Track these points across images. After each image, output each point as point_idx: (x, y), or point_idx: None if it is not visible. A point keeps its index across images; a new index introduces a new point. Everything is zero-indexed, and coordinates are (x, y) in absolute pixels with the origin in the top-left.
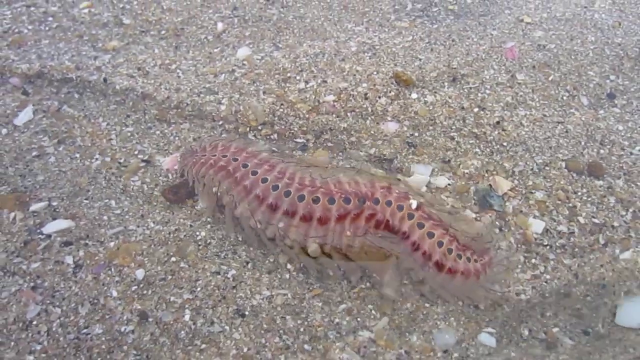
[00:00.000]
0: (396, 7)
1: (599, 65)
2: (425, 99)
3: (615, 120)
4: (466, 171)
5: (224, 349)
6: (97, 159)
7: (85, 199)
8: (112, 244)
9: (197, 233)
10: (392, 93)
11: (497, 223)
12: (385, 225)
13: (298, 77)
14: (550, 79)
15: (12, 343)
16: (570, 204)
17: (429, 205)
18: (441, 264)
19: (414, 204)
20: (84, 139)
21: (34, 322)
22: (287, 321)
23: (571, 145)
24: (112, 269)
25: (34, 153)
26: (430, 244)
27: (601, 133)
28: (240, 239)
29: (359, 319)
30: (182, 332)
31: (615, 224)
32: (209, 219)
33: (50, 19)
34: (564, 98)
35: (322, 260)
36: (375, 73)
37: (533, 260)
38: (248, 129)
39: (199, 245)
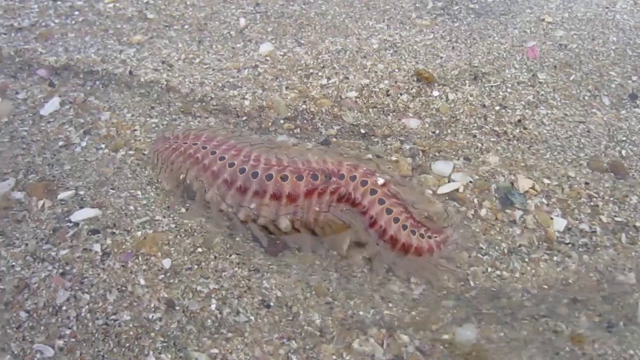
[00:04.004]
0: (417, 5)
1: (620, 65)
2: (447, 97)
3: (638, 121)
4: (487, 169)
5: (250, 339)
6: (121, 150)
7: (112, 189)
8: (138, 233)
9: (223, 225)
10: (414, 90)
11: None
12: (347, 198)
13: (320, 73)
14: (571, 78)
15: (42, 327)
16: (592, 203)
17: (396, 185)
18: (395, 239)
19: (380, 180)
20: (109, 129)
21: (64, 307)
22: (312, 314)
23: (593, 145)
24: (139, 258)
25: (61, 143)
26: (387, 220)
27: (623, 133)
28: (207, 222)
29: (379, 310)
30: (209, 320)
31: (638, 224)
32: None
33: (77, 13)
34: (586, 98)
35: (295, 237)
36: (396, 70)
37: (555, 258)
38: (270, 123)
39: (225, 237)
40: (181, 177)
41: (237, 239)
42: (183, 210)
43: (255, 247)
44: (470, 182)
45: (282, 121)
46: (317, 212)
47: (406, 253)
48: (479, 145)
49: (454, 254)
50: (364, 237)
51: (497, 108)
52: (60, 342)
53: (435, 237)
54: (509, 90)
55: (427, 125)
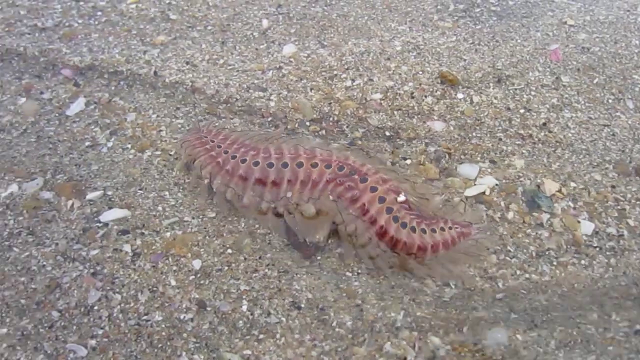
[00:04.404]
0: (438, 7)
1: None
2: (472, 99)
3: None
4: (513, 172)
5: (282, 340)
6: (147, 151)
7: (140, 189)
8: (168, 234)
9: (254, 227)
10: (438, 92)
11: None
12: (359, 205)
13: (344, 75)
14: (595, 81)
15: (75, 327)
16: (619, 207)
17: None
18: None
19: (401, 197)
20: (134, 130)
21: (95, 307)
22: (343, 315)
23: (618, 148)
24: (169, 259)
25: (87, 143)
26: (386, 219)
27: None
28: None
29: (410, 312)
30: (240, 321)
31: None
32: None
33: (99, 13)
34: (610, 101)
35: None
36: (420, 72)
37: (583, 262)
38: (297, 125)
39: (255, 238)
40: (206, 181)
41: (268, 241)
42: (212, 214)
43: (285, 249)
44: (497, 185)
45: (307, 123)
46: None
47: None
48: (504, 148)
49: (474, 249)
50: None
51: (522, 111)
52: (93, 342)
53: (457, 227)
54: (533, 93)
55: (452, 128)
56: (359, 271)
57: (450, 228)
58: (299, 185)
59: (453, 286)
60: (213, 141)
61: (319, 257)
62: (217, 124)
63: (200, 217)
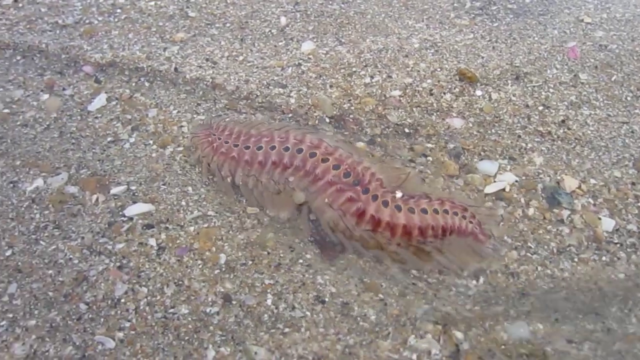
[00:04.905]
0: (455, 4)
1: None
2: (490, 96)
3: None
4: (533, 168)
5: (307, 334)
6: (169, 146)
7: (163, 184)
8: (191, 228)
9: (277, 221)
10: (457, 90)
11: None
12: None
13: (363, 72)
14: (613, 79)
15: (102, 319)
16: (639, 204)
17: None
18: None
19: (398, 194)
20: (156, 126)
21: (122, 300)
22: (367, 309)
23: (638, 145)
24: (194, 253)
25: (109, 139)
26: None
27: None
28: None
29: (434, 306)
30: (265, 315)
31: None
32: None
33: (119, 10)
34: (628, 98)
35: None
36: (439, 69)
37: (604, 258)
38: (317, 122)
39: (278, 232)
40: (223, 173)
41: (291, 235)
42: (237, 208)
43: (307, 243)
44: (517, 181)
45: (327, 120)
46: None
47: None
48: (524, 145)
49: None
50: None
51: (541, 108)
52: (121, 334)
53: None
54: (551, 90)
55: (471, 125)
56: (381, 266)
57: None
58: (303, 173)
59: (476, 281)
60: (220, 138)
61: (342, 261)
62: (227, 119)
63: (224, 211)
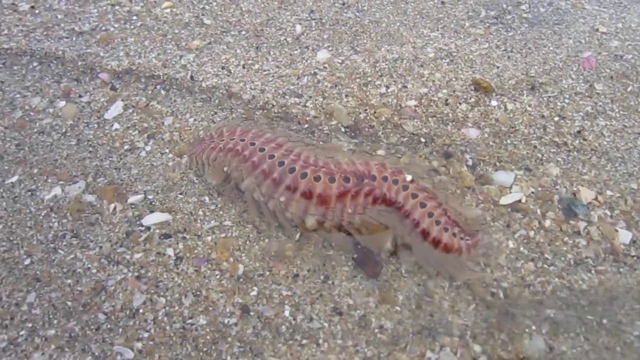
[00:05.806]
0: (470, 14)
1: None
2: (506, 107)
3: None
4: (549, 179)
5: (324, 346)
6: (185, 155)
7: (180, 194)
8: (209, 238)
9: (295, 234)
10: (472, 100)
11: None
12: (383, 199)
13: (378, 82)
14: (629, 89)
15: (121, 330)
16: None
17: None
18: (427, 233)
19: (408, 177)
20: (172, 134)
21: (140, 310)
22: (384, 321)
23: None
24: (212, 263)
25: (126, 147)
26: (420, 213)
27: None
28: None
29: (450, 318)
30: (283, 326)
31: None
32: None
33: (134, 17)
34: None
35: (322, 235)
36: (454, 79)
37: (621, 270)
38: (332, 131)
39: (297, 244)
40: (225, 169)
41: (311, 248)
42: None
43: (326, 255)
44: (533, 192)
45: (343, 129)
46: (351, 215)
47: (436, 247)
48: (539, 155)
49: (482, 258)
50: (406, 238)
51: (556, 119)
52: (139, 345)
53: (467, 239)
54: (566, 100)
55: (486, 135)
56: (400, 277)
57: (461, 238)
58: (299, 196)
59: (493, 294)
60: (228, 140)
61: (384, 277)
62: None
63: (241, 222)
